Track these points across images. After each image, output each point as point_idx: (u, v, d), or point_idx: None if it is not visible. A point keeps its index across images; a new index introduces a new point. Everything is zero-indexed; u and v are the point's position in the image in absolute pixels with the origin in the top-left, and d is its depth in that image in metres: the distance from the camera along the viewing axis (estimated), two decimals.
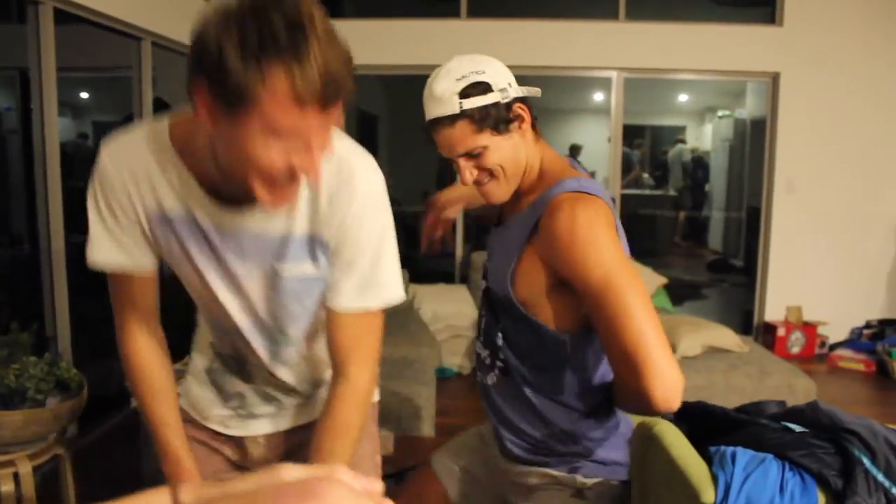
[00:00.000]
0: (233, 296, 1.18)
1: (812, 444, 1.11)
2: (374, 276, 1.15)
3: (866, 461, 1.05)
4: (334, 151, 1.08)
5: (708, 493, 1.08)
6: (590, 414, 1.42)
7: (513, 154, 1.37)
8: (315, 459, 1.16)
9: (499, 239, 1.46)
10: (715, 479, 1.09)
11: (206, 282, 1.17)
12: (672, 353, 1.20)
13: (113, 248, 1.16)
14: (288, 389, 1.34)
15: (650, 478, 1.23)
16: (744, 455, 1.11)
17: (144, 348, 1.26)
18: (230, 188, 1.06)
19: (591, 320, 1.30)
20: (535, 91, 1.40)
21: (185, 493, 0.57)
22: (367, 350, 1.19)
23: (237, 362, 1.32)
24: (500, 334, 1.45)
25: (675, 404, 1.17)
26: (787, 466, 1.08)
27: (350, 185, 1.11)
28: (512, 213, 1.44)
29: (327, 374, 1.30)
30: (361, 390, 1.19)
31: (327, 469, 0.49)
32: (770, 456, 1.11)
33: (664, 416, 1.25)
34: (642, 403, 1.18)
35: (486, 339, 1.52)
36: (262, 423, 1.37)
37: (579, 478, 1.42)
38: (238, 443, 1.39)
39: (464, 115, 1.31)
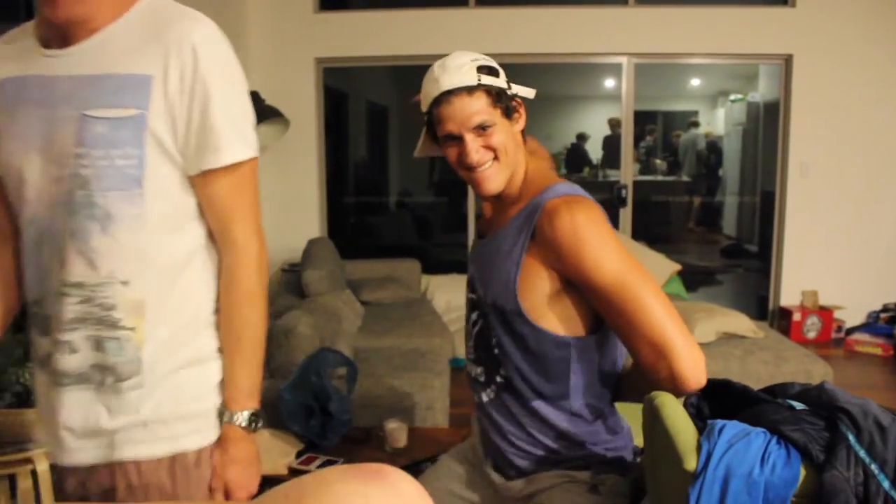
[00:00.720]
0: (41, 159, 1.09)
1: (804, 420, 1.15)
2: (235, 126, 1.11)
3: (851, 438, 1.09)
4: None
5: (691, 460, 1.13)
6: (598, 416, 1.43)
7: (513, 142, 1.40)
8: (225, 331, 1.16)
9: (490, 250, 1.43)
10: (699, 448, 1.14)
11: (9, 154, 1.11)
12: (690, 332, 1.28)
13: None
14: (81, 320, 1.11)
15: (655, 447, 1.29)
16: (732, 428, 1.15)
17: None
18: (50, 28, 1.08)
19: (604, 318, 1.34)
20: (529, 91, 1.43)
21: None
22: (247, 211, 1.16)
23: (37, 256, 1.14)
24: (497, 349, 1.42)
25: (703, 380, 1.28)
26: (774, 440, 1.12)
27: (181, 24, 1.08)
28: (501, 223, 1.43)
29: (161, 364, 1.14)
30: (253, 253, 1.16)
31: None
32: (759, 429, 1.14)
33: (693, 393, 1.31)
34: (674, 387, 1.27)
35: (479, 355, 1.49)
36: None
37: (592, 474, 1.42)
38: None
39: (481, 86, 1.34)
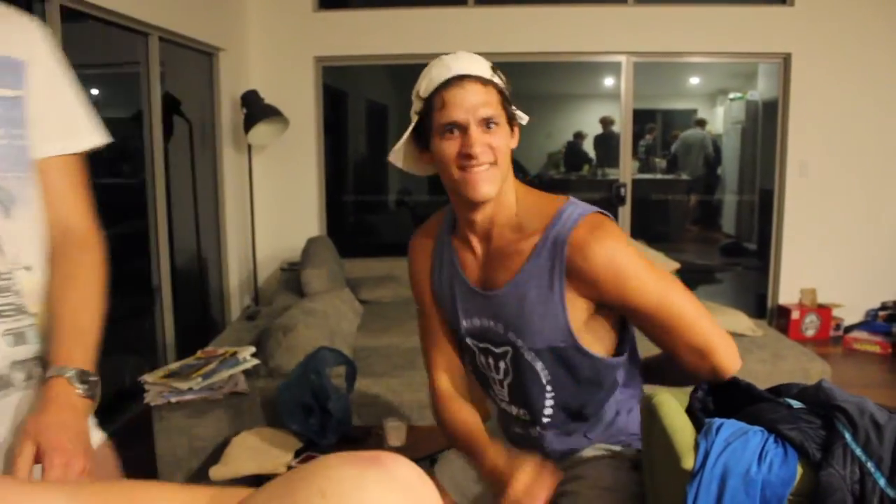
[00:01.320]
0: None
1: (801, 418, 1.16)
2: (91, 114, 1.14)
3: (848, 436, 1.10)
4: None
5: (689, 459, 1.15)
6: (635, 410, 1.47)
7: (509, 154, 1.35)
8: (60, 316, 1.05)
9: (514, 298, 1.36)
10: (697, 447, 1.15)
11: None
12: (718, 325, 1.36)
13: None
14: None
15: (653, 445, 1.31)
16: (730, 426, 1.16)
17: None
18: None
19: (642, 331, 1.39)
20: (524, 117, 1.40)
21: None
22: (86, 204, 1.14)
23: None
24: (550, 385, 1.41)
25: (739, 363, 1.37)
26: (771, 438, 1.13)
27: (30, 21, 1.09)
28: (509, 262, 1.37)
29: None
30: (94, 241, 1.13)
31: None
32: (757, 428, 1.15)
33: (700, 387, 1.35)
34: (716, 379, 1.35)
35: (519, 398, 1.47)
36: None
37: (637, 451, 1.46)
38: None
39: (494, 83, 1.31)
